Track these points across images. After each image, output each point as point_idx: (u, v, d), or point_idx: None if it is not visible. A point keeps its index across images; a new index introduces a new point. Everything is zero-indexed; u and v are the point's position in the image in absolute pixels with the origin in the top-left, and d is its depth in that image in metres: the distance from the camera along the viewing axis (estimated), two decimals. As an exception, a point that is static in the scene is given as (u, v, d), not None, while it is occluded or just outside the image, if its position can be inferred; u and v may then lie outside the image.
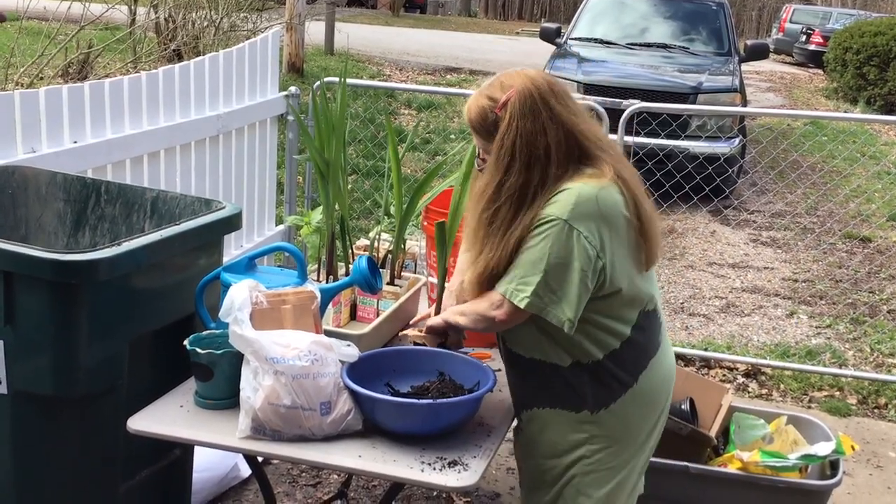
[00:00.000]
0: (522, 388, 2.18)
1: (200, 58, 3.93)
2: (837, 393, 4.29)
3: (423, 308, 2.72)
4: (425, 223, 2.82)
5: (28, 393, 2.11)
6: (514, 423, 2.26)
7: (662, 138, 6.01)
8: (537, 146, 1.97)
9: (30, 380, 2.10)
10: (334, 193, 2.63)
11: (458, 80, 13.45)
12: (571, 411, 2.09)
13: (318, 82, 4.00)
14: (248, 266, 2.38)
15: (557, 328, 1.98)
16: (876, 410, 4.15)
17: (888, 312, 5.35)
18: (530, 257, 1.96)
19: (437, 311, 2.37)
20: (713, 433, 2.99)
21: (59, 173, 2.75)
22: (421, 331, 2.36)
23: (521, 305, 1.96)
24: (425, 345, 2.34)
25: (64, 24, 7.91)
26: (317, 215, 3.01)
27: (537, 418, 2.14)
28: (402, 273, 2.81)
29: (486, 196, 2.00)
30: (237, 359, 2.07)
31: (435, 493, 3.21)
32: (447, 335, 2.29)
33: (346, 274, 2.62)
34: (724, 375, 4.39)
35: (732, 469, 2.83)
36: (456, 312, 2.20)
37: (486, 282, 2.03)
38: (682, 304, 5.38)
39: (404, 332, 2.50)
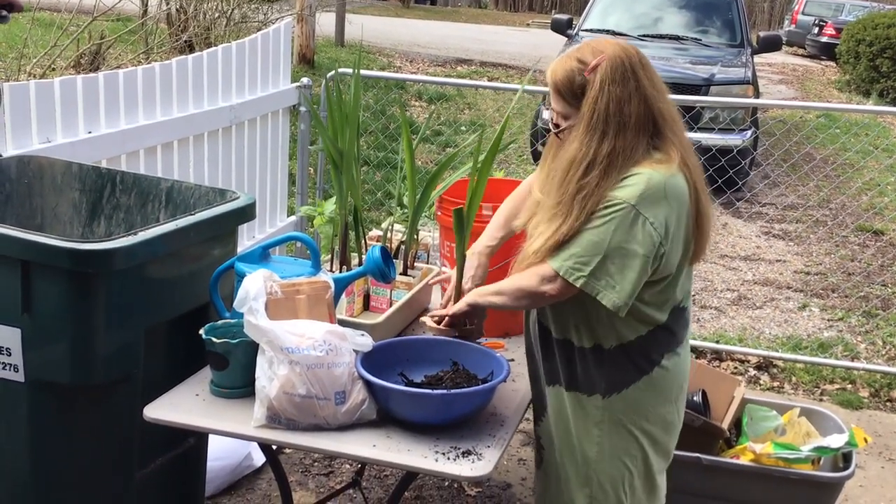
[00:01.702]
0: (546, 365, 2.19)
1: (213, 49, 3.93)
2: (849, 386, 4.28)
3: (437, 298, 2.71)
4: (439, 213, 2.83)
5: (45, 381, 2.12)
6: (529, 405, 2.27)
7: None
8: (624, 113, 1.96)
9: (47, 368, 2.11)
10: (347, 184, 2.63)
11: (469, 72, 13.42)
12: (584, 394, 2.10)
13: (331, 72, 4.00)
14: (262, 256, 2.39)
15: (595, 309, 1.99)
16: (888, 403, 4.14)
17: (901, 305, 5.33)
18: (592, 237, 1.94)
19: (458, 298, 2.35)
20: (725, 425, 2.99)
21: (74, 163, 2.77)
22: (438, 322, 2.34)
23: (578, 284, 1.95)
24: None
25: (76, 15, 7.94)
26: (330, 205, 3.02)
27: (555, 396, 2.16)
28: (415, 263, 2.81)
29: (583, 163, 1.96)
30: (252, 348, 2.08)
31: (447, 483, 3.22)
32: (468, 321, 2.28)
33: (360, 264, 2.62)
34: (735, 368, 4.39)
35: (745, 461, 2.83)
36: (486, 293, 2.17)
37: (556, 251, 1.99)
38: (693, 296, 5.34)
39: (423, 318, 2.48)
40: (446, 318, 2.27)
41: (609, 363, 2.07)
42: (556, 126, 2.08)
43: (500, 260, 2.44)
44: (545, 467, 2.25)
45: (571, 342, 2.10)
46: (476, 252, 2.36)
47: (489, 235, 2.38)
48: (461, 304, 2.23)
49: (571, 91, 2.01)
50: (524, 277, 2.05)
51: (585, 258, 1.95)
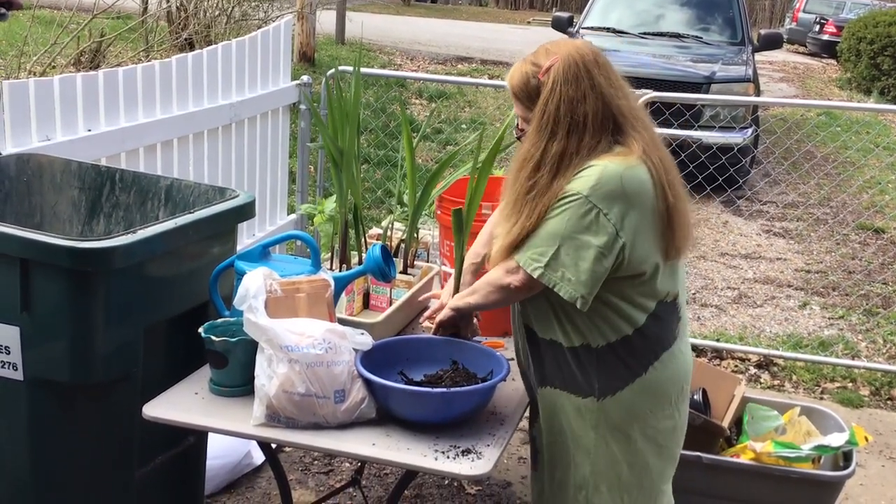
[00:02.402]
0: (536, 367, 2.18)
1: (213, 47, 3.93)
2: (850, 384, 4.28)
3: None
4: (439, 212, 2.82)
5: (44, 380, 2.12)
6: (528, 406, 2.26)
7: (675, 128, 5.98)
8: (577, 113, 1.97)
9: (46, 367, 2.11)
10: (347, 182, 2.63)
11: (470, 70, 13.41)
12: (578, 396, 2.08)
13: (331, 70, 4.00)
14: (261, 254, 2.39)
15: (572, 306, 1.98)
16: (889, 402, 4.14)
17: (901, 304, 5.33)
18: (548, 229, 1.96)
19: (456, 291, 2.36)
20: (726, 424, 2.99)
21: (73, 161, 2.76)
22: (433, 322, 2.35)
23: (535, 275, 1.97)
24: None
25: (76, 13, 7.93)
26: (330, 204, 3.02)
27: (548, 398, 2.15)
28: (415, 262, 2.81)
29: (531, 163, 1.99)
30: (252, 346, 2.08)
31: (446, 482, 3.22)
32: (458, 326, 2.28)
33: (360, 262, 2.62)
34: (736, 366, 4.38)
35: (745, 459, 2.83)
36: (463, 295, 2.20)
37: (515, 251, 2.02)
38: (694, 294, 5.36)
39: (422, 325, 2.49)
40: (435, 326, 2.28)
41: (600, 364, 2.05)
42: (521, 130, 2.10)
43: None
44: (541, 469, 2.24)
45: (559, 342, 2.09)
46: (465, 270, 2.39)
47: (473, 252, 2.40)
48: (446, 311, 2.25)
49: (527, 94, 2.04)
50: (492, 272, 2.09)
51: (542, 249, 1.96)
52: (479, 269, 2.38)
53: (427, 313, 2.42)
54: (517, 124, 2.13)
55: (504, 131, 2.48)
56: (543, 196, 1.97)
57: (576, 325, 2.05)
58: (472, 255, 2.40)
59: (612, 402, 2.06)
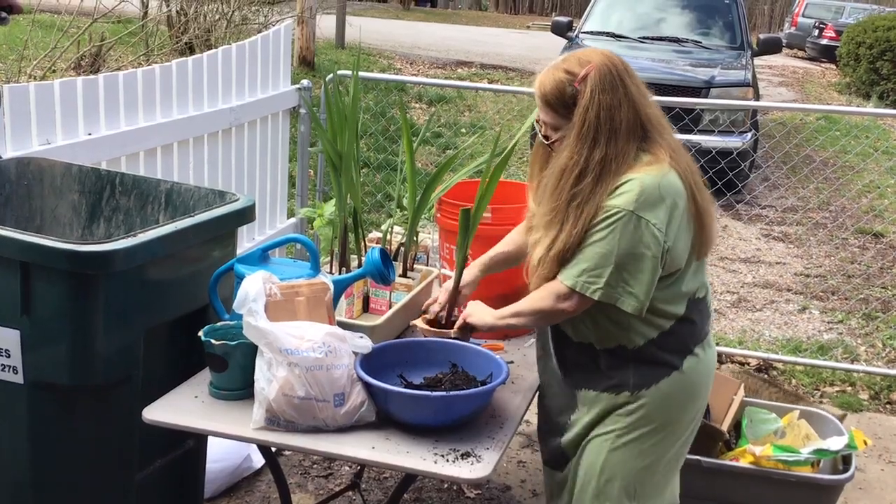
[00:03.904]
0: (570, 370, 2.19)
1: (213, 51, 3.94)
2: (849, 388, 4.28)
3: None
4: (438, 215, 2.83)
5: (44, 382, 2.12)
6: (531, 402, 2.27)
7: (674, 132, 5.97)
8: (615, 120, 2.00)
9: (46, 370, 2.11)
10: (347, 185, 2.63)
11: (469, 74, 13.43)
12: (612, 393, 2.11)
13: (331, 74, 4.01)
14: (261, 258, 2.40)
15: (612, 312, 2.02)
16: (888, 406, 4.14)
17: (901, 308, 5.33)
18: (599, 250, 1.98)
19: (453, 298, 2.37)
20: (725, 427, 2.99)
21: (73, 165, 2.77)
22: (432, 322, 2.36)
23: (596, 297, 1.99)
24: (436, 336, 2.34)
25: (76, 17, 7.94)
26: (329, 207, 3.02)
27: (584, 399, 2.16)
28: (415, 265, 2.81)
29: (574, 171, 2.00)
30: (251, 350, 2.08)
31: (446, 486, 3.22)
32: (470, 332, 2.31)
33: (359, 266, 2.62)
34: (737, 374, 4.38)
35: (744, 463, 2.83)
36: (509, 315, 2.17)
37: (562, 260, 2.03)
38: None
39: (414, 322, 2.50)
40: (457, 323, 2.29)
41: (636, 361, 2.09)
42: (546, 137, 2.11)
43: (500, 289, 2.47)
44: (568, 469, 2.23)
45: (593, 345, 2.12)
46: (474, 263, 2.43)
47: (490, 252, 2.43)
48: (480, 323, 2.24)
49: (562, 102, 2.04)
50: (540, 299, 2.08)
51: (598, 270, 1.98)
52: (490, 271, 2.40)
53: (432, 309, 2.41)
54: (541, 131, 2.14)
55: (520, 137, 2.50)
56: (587, 204, 1.99)
57: (611, 329, 2.08)
58: (490, 253, 2.42)
59: (647, 395, 2.09)
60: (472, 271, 2.41)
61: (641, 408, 2.09)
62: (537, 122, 2.16)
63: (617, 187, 1.98)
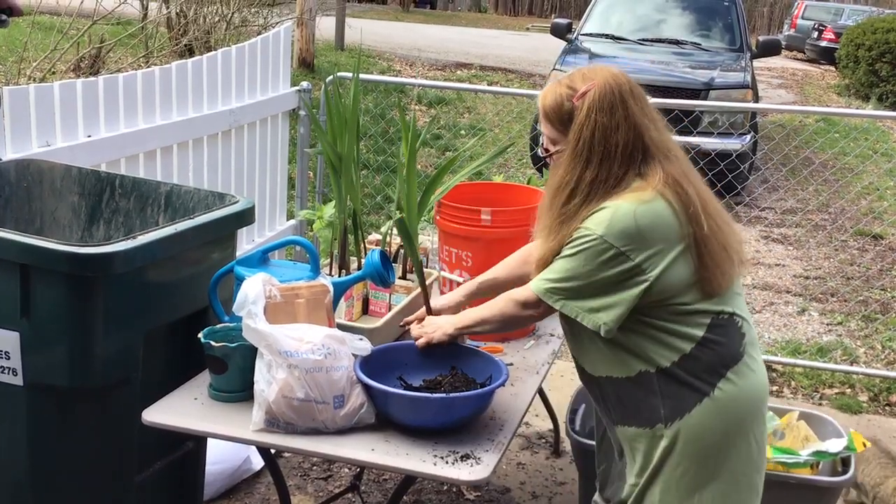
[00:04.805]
0: (603, 406, 2.15)
1: (213, 53, 3.94)
2: (848, 390, 4.28)
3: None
4: (438, 217, 2.83)
5: (44, 384, 2.12)
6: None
7: (673, 134, 5.97)
8: (610, 142, 1.97)
9: (45, 371, 2.11)
10: (346, 187, 2.64)
11: (469, 76, 13.43)
12: (646, 427, 2.03)
13: (330, 76, 4.01)
14: (261, 260, 2.40)
15: (624, 336, 1.97)
16: (887, 408, 4.14)
17: (900, 310, 5.33)
18: (566, 265, 1.97)
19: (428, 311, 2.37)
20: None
21: (73, 167, 2.77)
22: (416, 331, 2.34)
23: (557, 307, 2.00)
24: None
25: (76, 18, 7.94)
26: (329, 209, 3.02)
27: (621, 435, 2.10)
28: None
29: (566, 190, 2.00)
30: (251, 352, 2.08)
31: (445, 487, 3.22)
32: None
33: (359, 268, 2.62)
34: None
35: (743, 465, 2.82)
36: (473, 322, 2.18)
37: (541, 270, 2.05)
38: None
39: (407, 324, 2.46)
40: (422, 339, 2.25)
41: (662, 388, 1.99)
42: (546, 151, 2.11)
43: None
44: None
45: (615, 376, 2.05)
46: (460, 287, 2.41)
47: (480, 278, 2.39)
48: (441, 337, 2.22)
49: (559, 117, 2.03)
50: (505, 306, 2.10)
51: (562, 284, 1.98)
52: (476, 293, 2.36)
53: (413, 324, 2.36)
54: (542, 143, 2.13)
55: (503, 150, 2.51)
56: (570, 222, 1.98)
57: (627, 354, 2.01)
58: (480, 279, 2.39)
59: (682, 427, 1.98)
60: (454, 297, 2.37)
61: (679, 442, 1.98)
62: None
63: (594, 211, 1.96)
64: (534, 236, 2.17)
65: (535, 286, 2.03)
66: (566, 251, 1.98)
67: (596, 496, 2.39)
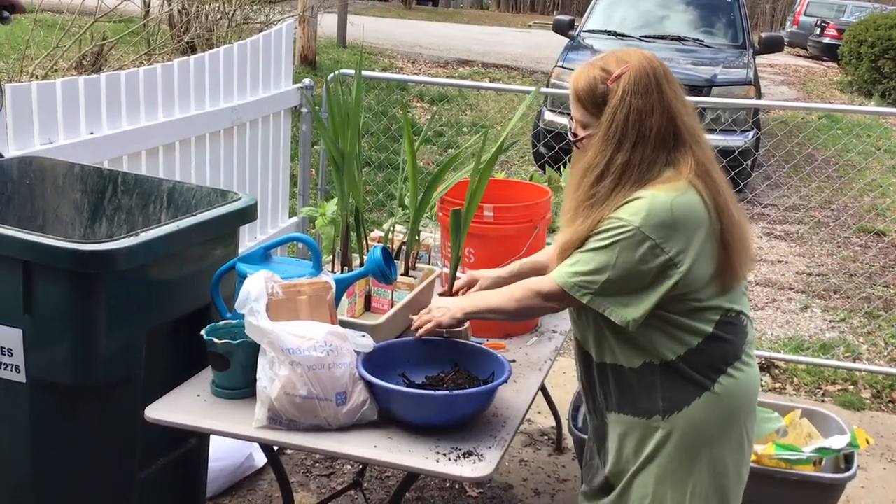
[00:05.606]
0: (601, 392, 2.13)
1: (215, 50, 3.94)
2: (851, 387, 4.28)
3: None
4: (440, 214, 2.83)
5: (46, 382, 2.12)
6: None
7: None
8: (644, 126, 1.94)
9: (48, 369, 2.11)
10: (349, 184, 2.63)
11: (471, 73, 13.43)
12: (642, 418, 2.03)
13: (332, 73, 4.01)
14: (263, 257, 2.40)
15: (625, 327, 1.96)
16: (890, 405, 4.14)
17: (903, 306, 5.33)
18: (597, 258, 1.92)
19: (451, 289, 2.34)
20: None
21: (75, 164, 2.77)
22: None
23: (584, 301, 1.94)
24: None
25: (78, 16, 7.95)
26: (331, 206, 3.02)
27: (617, 423, 2.10)
28: (417, 264, 2.81)
29: (595, 172, 1.96)
30: (253, 349, 2.08)
31: (448, 484, 3.22)
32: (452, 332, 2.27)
33: (361, 265, 2.62)
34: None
35: (746, 462, 2.82)
36: (485, 309, 2.13)
37: (562, 257, 2.00)
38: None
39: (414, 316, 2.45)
40: (430, 323, 2.20)
41: (664, 380, 2.00)
42: (575, 135, 2.06)
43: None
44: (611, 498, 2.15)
45: (620, 364, 2.04)
46: (488, 274, 2.36)
47: (505, 269, 2.37)
48: (449, 321, 2.17)
49: (593, 100, 1.99)
50: (526, 297, 2.05)
51: (592, 277, 1.93)
52: (519, 274, 2.32)
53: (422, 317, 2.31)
54: (570, 128, 2.09)
55: (506, 136, 2.49)
56: (601, 205, 1.94)
57: (633, 344, 2.00)
58: (525, 260, 2.36)
59: (680, 419, 1.99)
60: (497, 271, 2.31)
61: (675, 434, 1.99)
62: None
63: (628, 200, 1.92)
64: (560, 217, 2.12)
65: (560, 279, 1.96)
66: (596, 242, 1.93)
67: (583, 486, 2.36)
